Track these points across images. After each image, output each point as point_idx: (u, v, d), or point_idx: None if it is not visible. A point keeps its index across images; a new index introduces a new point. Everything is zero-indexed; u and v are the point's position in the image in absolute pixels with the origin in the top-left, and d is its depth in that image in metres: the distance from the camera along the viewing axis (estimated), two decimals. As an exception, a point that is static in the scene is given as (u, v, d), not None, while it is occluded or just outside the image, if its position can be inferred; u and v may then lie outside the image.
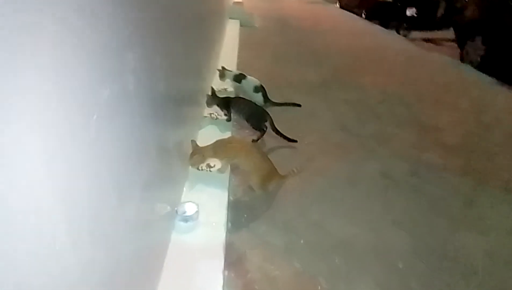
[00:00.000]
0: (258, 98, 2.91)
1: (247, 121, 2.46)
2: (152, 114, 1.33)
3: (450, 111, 3.17)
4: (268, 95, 2.97)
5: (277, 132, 2.39)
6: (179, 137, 1.85)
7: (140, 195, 1.19)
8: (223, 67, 3.05)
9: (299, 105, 3.01)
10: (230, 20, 6.02)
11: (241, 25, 6.11)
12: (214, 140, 1.93)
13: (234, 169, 2.04)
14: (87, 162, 0.79)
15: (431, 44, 6.56)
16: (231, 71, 3.06)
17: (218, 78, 3.07)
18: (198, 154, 1.86)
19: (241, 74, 3.03)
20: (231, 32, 5.45)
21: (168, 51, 1.60)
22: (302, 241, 1.64)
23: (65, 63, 0.68)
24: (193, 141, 1.90)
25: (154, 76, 1.36)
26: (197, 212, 1.63)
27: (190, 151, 1.88)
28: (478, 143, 2.63)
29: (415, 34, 6.99)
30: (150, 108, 1.30)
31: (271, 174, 1.86)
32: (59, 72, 0.65)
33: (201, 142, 1.98)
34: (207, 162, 1.96)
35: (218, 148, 1.90)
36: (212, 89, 2.58)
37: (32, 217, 0.58)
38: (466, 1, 5.88)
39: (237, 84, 3.01)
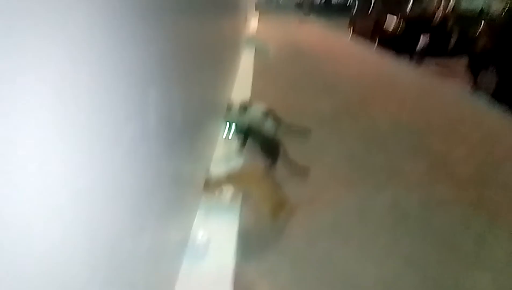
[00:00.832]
0: (268, 123, 2.98)
1: (260, 149, 2.53)
2: (169, 146, 1.42)
3: (462, 142, 3.17)
4: (278, 119, 3.03)
5: (289, 164, 2.44)
6: (192, 166, 1.93)
7: (154, 225, 1.25)
8: (228, 100, 3.12)
9: (308, 131, 3.10)
10: (245, 50, 6.25)
11: (255, 55, 6.33)
12: (227, 166, 2.02)
13: (245, 199, 2.09)
14: (109, 195, 0.86)
15: (444, 73, 6.59)
16: (235, 102, 3.14)
17: (233, 103, 3.15)
18: (212, 185, 1.94)
19: (246, 103, 3.13)
20: (246, 62, 5.65)
21: (185, 84, 1.71)
22: (310, 273, 1.65)
23: (97, 101, 0.77)
24: (208, 173, 1.98)
25: (172, 109, 1.46)
26: (207, 240, 1.68)
27: (205, 182, 1.96)
28: (491, 176, 2.61)
29: (428, 62, 7.05)
30: (167, 141, 1.38)
31: (281, 204, 1.91)
32: (90, 108, 0.74)
33: (215, 167, 2.06)
34: (220, 190, 2.03)
35: (231, 177, 1.98)
36: (230, 116, 2.68)
37: (56, 248, 0.64)
38: (479, 30, 5.94)
39: (245, 111, 3.09)
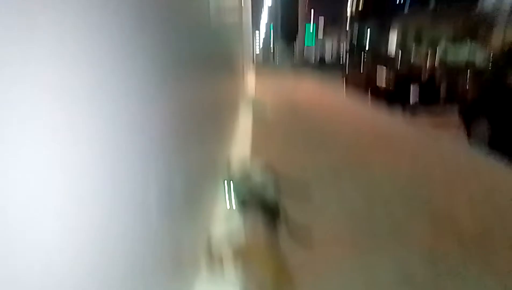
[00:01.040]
0: (267, 182, 2.99)
1: (261, 215, 2.51)
2: (169, 216, 1.42)
3: (463, 195, 3.15)
4: (277, 176, 3.05)
5: (290, 225, 2.41)
6: (192, 233, 1.90)
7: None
8: (227, 165, 3.15)
9: (308, 188, 3.10)
10: (244, 109, 6.50)
11: (253, 112, 6.56)
12: (228, 228, 1.98)
13: (247, 270, 2.03)
14: (107, 269, 0.85)
15: (438, 124, 6.76)
16: (234, 166, 3.18)
17: (232, 167, 3.18)
18: (213, 255, 1.91)
19: (245, 161, 3.18)
20: (245, 119, 5.84)
21: (185, 149, 1.76)
22: None
23: (100, 195, 0.80)
24: (209, 239, 1.95)
25: (173, 177, 1.48)
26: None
27: (206, 250, 1.92)
28: (496, 231, 2.56)
29: (421, 113, 7.27)
30: (167, 211, 1.39)
31: (284, 277, 1.85)
32: (92, 199, 0.76)
33: (215, 230, 2.02)
34: (221, 261, 1.98)
35: (233, 247, 1.95)
36: (230, 182, 2.69)
37: None
38: (466, 82, 6.19)
39: (244, 175, 3.11)
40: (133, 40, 1.04)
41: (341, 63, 19.38)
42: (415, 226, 2.63)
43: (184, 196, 1.71)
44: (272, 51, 38.89)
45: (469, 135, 5.36)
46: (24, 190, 0.56)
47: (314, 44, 25.62)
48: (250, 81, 12.07)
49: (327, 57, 25.92)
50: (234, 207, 2.64)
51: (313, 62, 25.14)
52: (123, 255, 0.95)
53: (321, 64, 23.65)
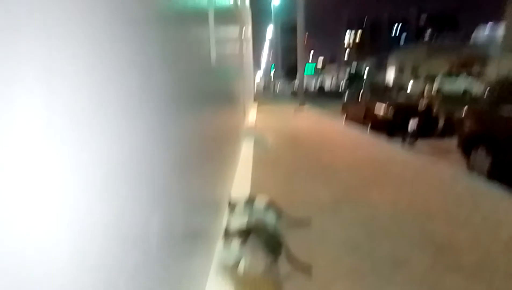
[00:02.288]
0: (270, 215, 3.02)
1: (263, 246, 2.52)
2: (168, 256, 1.45)
3: (465, 227, 3.15)
4: (280, 210, 3.07)
5: (291, 261, 2.42)
6: (192, 271, 1.92)
7: None
8: (229, 202, 3.15)
9: (309, 221, 3.19)
10: (245, 142, 6.62)
11: (254, 146, 6.68)
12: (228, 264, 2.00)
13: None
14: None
15: (437, 155, 6.82)
16: (237, 199, 3.18)
17: (233, 202, 3.18)
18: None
19: (248, 198, 3.21)
20: (246, 153, 5.94)
21: (186, 192, 1.81)
22: None
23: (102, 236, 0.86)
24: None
25: (172, 216, 1.53)
26: None
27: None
28: (498, 263, 2.54)
29: (420, 143, 7.34)
30: (166, 250, 1.42)
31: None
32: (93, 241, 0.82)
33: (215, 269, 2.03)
34: None
35: (234, 281, 1.97)
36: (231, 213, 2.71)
37: None
38: (463, 113, 6.25)
39: (250, 206, 3.14)
40: (137, 80, 1.15)
41: (339, 91, 19.86)
42: (416, 256, 2.61)
43: (185, 235, 1.75)
44: (273, 86, 40.70)
45: (468, 164, 5.40)
46: (26, 192, 0.59)
47: (313, 74, 26.67)
48: (251, 114, 12.33)
49: (326, 87, 26.93)
50: (234, 238, 2.64)
51: (313, 90, 26.00)
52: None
53: (320, 93, 24.27)
